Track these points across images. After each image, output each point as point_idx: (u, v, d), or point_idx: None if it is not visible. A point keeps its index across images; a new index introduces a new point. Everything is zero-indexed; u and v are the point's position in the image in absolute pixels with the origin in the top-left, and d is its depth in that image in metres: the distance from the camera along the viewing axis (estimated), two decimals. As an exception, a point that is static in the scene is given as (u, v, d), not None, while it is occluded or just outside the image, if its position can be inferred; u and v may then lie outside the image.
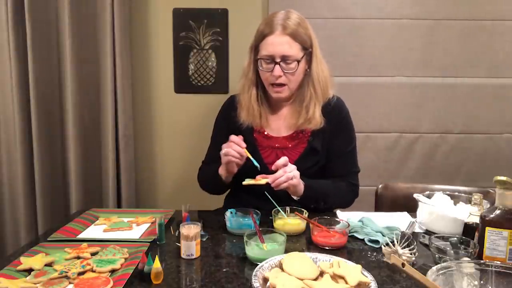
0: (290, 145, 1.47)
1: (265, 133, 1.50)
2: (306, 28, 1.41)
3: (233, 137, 1.35)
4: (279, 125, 1.51)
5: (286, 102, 1.52)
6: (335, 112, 1.49)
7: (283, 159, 1.31)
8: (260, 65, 1.42)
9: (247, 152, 1.34)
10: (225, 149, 1.34)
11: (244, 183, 1.31)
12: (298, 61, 1.39)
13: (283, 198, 1.35)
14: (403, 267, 0.78)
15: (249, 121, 1.48)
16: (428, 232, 1.26)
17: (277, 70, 1.38)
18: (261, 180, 1.30)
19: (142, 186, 2.13)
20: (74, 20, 1.90)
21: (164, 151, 2.13)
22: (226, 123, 1.55)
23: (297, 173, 1.32)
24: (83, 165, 1.98)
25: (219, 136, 1.58)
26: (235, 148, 1.32)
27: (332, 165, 1.49)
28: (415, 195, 1.33)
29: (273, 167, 1.30)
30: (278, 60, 1.37)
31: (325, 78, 1.46)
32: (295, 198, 1.37)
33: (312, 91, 1.45)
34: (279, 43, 1.37)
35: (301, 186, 1.35)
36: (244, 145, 1.34)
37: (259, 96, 1.49)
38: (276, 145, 1.48)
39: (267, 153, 1.48)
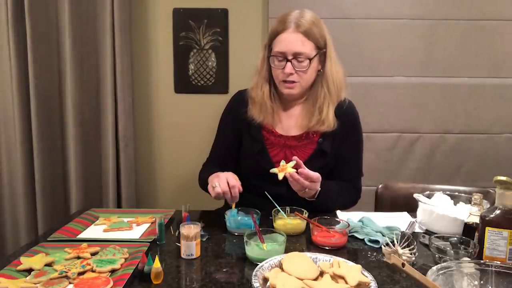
0: (299, 145, 1.46)
1: (274, 131, 1.48)
2: (320, 28, 1.40)
3: (232, 180, 1.29)
4: (289, 124, 1.49)
5: (298, 101, 1.50)
6: (348, 115, 1.48)
7: (317, 176, 1.28)
8: (272, 62, 1.41)
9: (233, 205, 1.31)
10: (220, 190, 1.27)
11: (271, 171, 1.29)
12: (310, 59, 1.38)
13: (284, 198, 1.35)
14: (403, 267, 0.78)
15: (261, 118, 1.46)
16: (428, 232, 1.25)
17: (289, 67, 1.37)
18: (282, 172, 1.26)
19: (142, 186, 2.13)
20: (74, 20, 1.90)
21: (164, 151, 2.13)
22: (234, 119, 1.53)
23: (316, 188, 1.32)
24: (83, 165, 1.98)
25: (225, 133, 1.56)
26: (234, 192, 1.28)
27: (339, 168, 1.49)
28: (415, 195, 1.33)
29: (302, 172, 1.26)
30: (290, 57, 1.37)
31: (340, 79, 1.46)
32: (307, 198, 1.36)
33: (326, 92, 1.43)
34: (291, 41, 1.36)
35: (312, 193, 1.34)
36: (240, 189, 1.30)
37: (272, 93, 1.48)
38: (285, 143, 1.47)
39: (276, 151, 1.46)
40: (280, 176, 1.25)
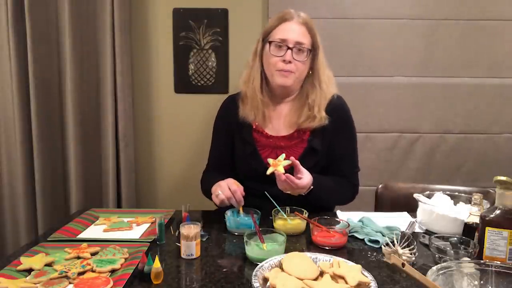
0: (289, 145, 1.46)
1: (264, 132, 1.49)
2: (315, 29, 1.45)
3: (232, 186, 1.31)
4: (279, 125, 1.50)
5: (287, 99, 1.51)
6: (338, 110, 1.48)
7: (304, 185, 1.29)
8: (269, 50, 1.42)
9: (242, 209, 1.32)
10: (223, 196, 1.30)
11: (267, 160, 1.32)
12: (310, 51, 1.41)
13: (283, 198, 1.35)
14: (403, 267, 0.79)
15: (252, 116, 1.46)
16: (428, 232, 1.26)
17: (289, 55, 1.39)
18: (272, 167, 1.28)
19: (142, 186, 2.13)
20: (74, 20, 1.90)
21: (164, 151, 2.13)
22: (226, 123, 1.55)
23: (300, 193, 1.33)
24: (83, 165, 1.98)
25: (220, 137, 1.58)
26: (236, 197, 1.30)
27: (334, 165, 1.48)
28: (415, 195, 1.33)
29: (288, 177, 1.26)
30: (291, 45, 1.39)
31: (330, 78, 1.48)
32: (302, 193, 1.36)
33: (317, 88, 1.45)
34: (295, 30, 1.41)
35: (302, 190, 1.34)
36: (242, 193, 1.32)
37: (263, 88, 1.48)
38: (276, 144, 1.47)
39: (267, 153, 1.47)
40: (268, 172, 1.27)
